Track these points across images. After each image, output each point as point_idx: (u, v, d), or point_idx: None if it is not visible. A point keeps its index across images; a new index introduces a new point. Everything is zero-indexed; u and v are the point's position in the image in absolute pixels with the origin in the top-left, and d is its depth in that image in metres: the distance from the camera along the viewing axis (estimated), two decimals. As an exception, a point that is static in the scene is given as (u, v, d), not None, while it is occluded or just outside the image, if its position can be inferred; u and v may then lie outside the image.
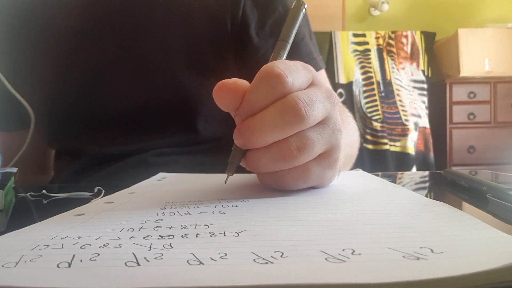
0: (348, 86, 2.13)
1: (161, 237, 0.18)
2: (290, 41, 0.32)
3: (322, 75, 0.60)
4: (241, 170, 0.35)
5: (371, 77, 2.15)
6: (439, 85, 2.19)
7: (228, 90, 0.27)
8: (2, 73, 0.58)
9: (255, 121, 0.26)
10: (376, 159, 2.06)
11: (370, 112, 2.12)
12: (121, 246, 0.17)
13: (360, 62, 2.17)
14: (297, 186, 0.29)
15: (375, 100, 2.13)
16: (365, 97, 2.14)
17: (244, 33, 0.54)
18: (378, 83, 2.15)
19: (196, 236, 0.18)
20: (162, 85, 0.54)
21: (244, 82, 0.27)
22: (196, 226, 0.20)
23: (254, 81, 0.27)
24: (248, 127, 0.26)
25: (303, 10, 0.33)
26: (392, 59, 2.18)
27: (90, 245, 0.17)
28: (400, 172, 0.55)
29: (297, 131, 0.26)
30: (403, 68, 2.18)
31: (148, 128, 0.55)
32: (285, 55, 0.32)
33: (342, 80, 2.14)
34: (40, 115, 0.57)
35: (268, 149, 0.27)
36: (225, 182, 0.31)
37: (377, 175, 0.41)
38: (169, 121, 0.55)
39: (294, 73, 0.27)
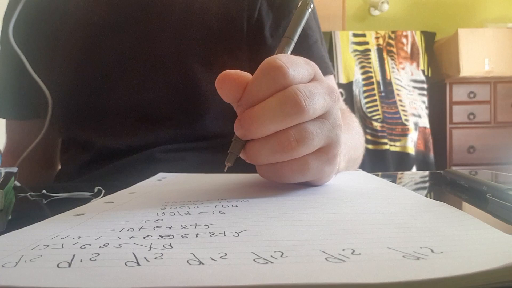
0: (348, 86, 2.13)
1: (161, 237, 0.18)
2: (295, 38, 0.32)
3: (331, 80, 0.61)
4: (241, 170, 0.35)
5: (371, 77, 2.15)
6: (439, 85, 2.19)
7: (231, 81, 0.27)
8: (21, 53, 0.59)
9: (255, 111, 0.26)
10: (376, 159, 2.06)
11: (370, 112, 2.12)
12: (121, 246, 0.17)
13: (360, 62, 2.17)
14: (295, 179, 0.29)
15: (375, 100, 2.13)
16: (365, 97, 2.14)
17: (259, 34, 0.56)
18: (378, 83, 2.15)
19: (196, 236, 0.18)
20: (175, 80, 0.55)
21: (246, 74, 0.27)
22: (196, 226, 0.20)
23: (256, 72, 0.27)
24: (248, 117, 0.26)
25: (309, 10, 0.33)
26: (392, 59, 2.18)
27: (90, 245, 0.17)
28: (400, 172, 0.55)
29: (296, 123, 0.27)
30: (403, 68, 2.18)
31: (157, 121, 0.56)
32: (289, 52, 0.32)
33: (342, 80, 2.14)
34: (55, 104, 0.58)
35: (267, 140, 0.27)
36: (225, 171, 0.31)
37: (377, 175, 0.41)
38: (179, 115, 0.56)
39: (295, 66, 0.27)
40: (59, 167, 0.66)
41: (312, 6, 0.33)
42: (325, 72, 0.57)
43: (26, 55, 0.58)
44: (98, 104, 0.56)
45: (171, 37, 0.55)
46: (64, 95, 0.57)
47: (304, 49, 0.31)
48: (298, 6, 0.33)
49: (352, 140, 0.48)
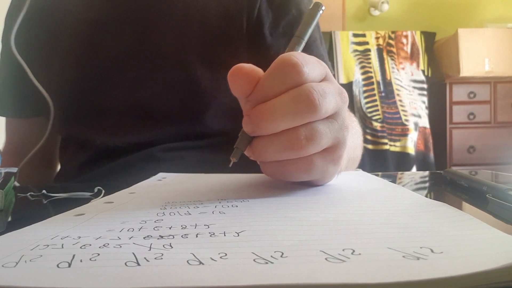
0: (348, 86, 2.13)
1: (161, 237, 0.18)
2: (305, 38, 0.32)
3: None
4: (241, 170, 0.35)
5: (371, 77, 2.15)
6: (439, 85, 2.19)
7: (243, 74, 0.27)
8: (22, 60, 0.59)
9: (267, 107, 0.26)
10: (376, 159, 2.06)
11: (370, 112, 2.12)
12: (121, 246, 0.17)
13: (360, 62, 2.17)
14: (300, 177, 0.29)
15: (375, 100, 2.13)
16: (365, 97, 2.14)
17: (258, 32, 0.56)
18: (378, 83, 2.15)
19: (196, 236, 0.18)
20: (175, 78, 0.55)
21: (259, 70, 0.27)
22: (196, 226, 0.20)
23: (270, 68, 0.27)
24: (259, 112, 0.26)
25: (321, 11, 0.33)
26: (392, 59, 2.18)
27: (90, 245, 0.17)
28: (400, 172, 0.55)
29: (308, 121, 0.26)
30: (403, 68, 2.18)
31: (157, 119, 0.56)
32: (299, 51, 0.32)
33: (342, 80, 2.14)
34: (55, 102, 0.58)
35: (277, 137, 0.27)
36: (230, 166, 0.30)
37: (377, 175, 0.41)
38: (179, 113, 0.56)
39: (310, 64, 0.27)
40: (59, 166, 0.66)
41: (323, 8, 0.33)
42: None
43: (26, 56, 0.58)
44: (98, 102, 0.56)
45: (170, 35, 0.56)
46: (64, 93, 0.57)
47: (303, 47, 0.32)
48: (310, 7, 0.33)
49: (352, 139, 0.48)
